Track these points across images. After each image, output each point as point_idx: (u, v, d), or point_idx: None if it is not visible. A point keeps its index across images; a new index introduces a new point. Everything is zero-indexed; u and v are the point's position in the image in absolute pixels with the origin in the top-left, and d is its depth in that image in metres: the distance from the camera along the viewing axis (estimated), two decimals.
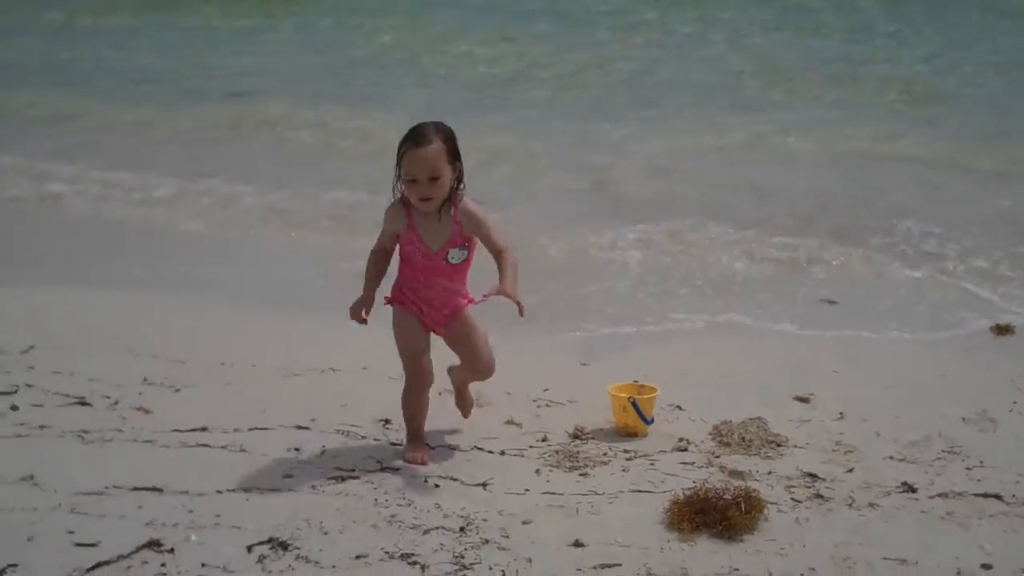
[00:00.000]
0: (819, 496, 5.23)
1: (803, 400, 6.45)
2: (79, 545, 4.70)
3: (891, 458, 5.67)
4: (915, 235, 10.28)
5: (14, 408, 6.19)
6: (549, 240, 10.22)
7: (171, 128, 15.98)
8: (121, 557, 4.60)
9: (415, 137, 5.21)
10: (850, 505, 5.14)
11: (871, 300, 8.67)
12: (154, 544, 4.70)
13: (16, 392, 6.43)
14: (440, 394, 6.18)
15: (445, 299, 5.62)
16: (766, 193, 11.94)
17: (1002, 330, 7.86)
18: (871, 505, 5.15)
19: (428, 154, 5.21)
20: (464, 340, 5.69)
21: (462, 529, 4.88)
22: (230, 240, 10.68)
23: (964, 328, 8.02)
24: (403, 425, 5.78)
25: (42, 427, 5.95)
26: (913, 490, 5.29)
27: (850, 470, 5.52)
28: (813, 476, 5.44)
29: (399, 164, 5.26)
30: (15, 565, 4.52)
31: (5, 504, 5.06)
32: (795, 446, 5.80)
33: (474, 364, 5.75)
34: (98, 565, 4.53)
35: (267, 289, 8.79)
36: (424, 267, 5.53)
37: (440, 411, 6.15)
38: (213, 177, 12.96)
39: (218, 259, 9.83)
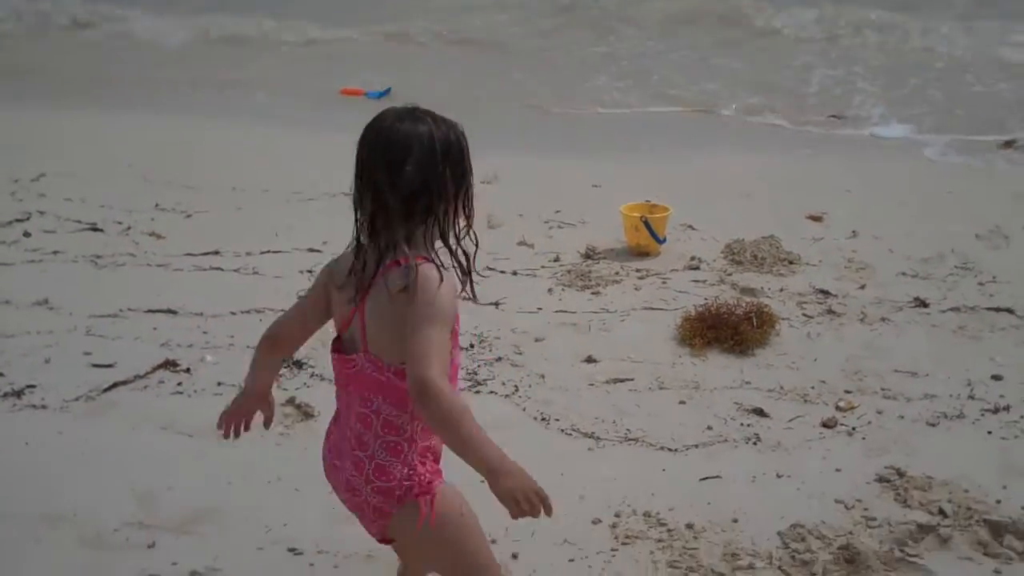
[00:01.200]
0: (831, 312, 5.23)
1: (816, 219, 6.43)
2: (95, 366, 4.74)
3: (903, 274, 5.67)
4: None
5: (27, 235, 6.20)
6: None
7: None
8: (138, 377, 4.64)
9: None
10: (862, 320, 5.15)
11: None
12: (170, 364, 4.73)
13: (28, 219, 6.43)
14: None
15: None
16: None
17: (1007, 144, 7.79)
18: (883, 320, 5.16)
19: None
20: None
21: (475, 346, 4.91)
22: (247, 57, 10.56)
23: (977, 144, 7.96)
24: None
25: (55, 252, 5.96)
26: (925, 305, 5.30)
27: (862, 286, 5.52)
28: (825, 292, 5.44)
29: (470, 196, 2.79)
30: (33, 386, 4.57)
31: (22, 327, 5.09)
32: (808, 264, 5.79)
33: None
34: (115, 385, 4.57)
35: (281, 110, 8.72)
36: None
37: None
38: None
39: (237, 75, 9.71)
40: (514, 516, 2.60)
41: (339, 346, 2.79)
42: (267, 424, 3.08)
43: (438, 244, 2.65)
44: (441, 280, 2.56)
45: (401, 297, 2.56)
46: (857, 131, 8.65)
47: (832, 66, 10.75)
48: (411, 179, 2.62)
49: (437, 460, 2.85)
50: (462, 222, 2.70)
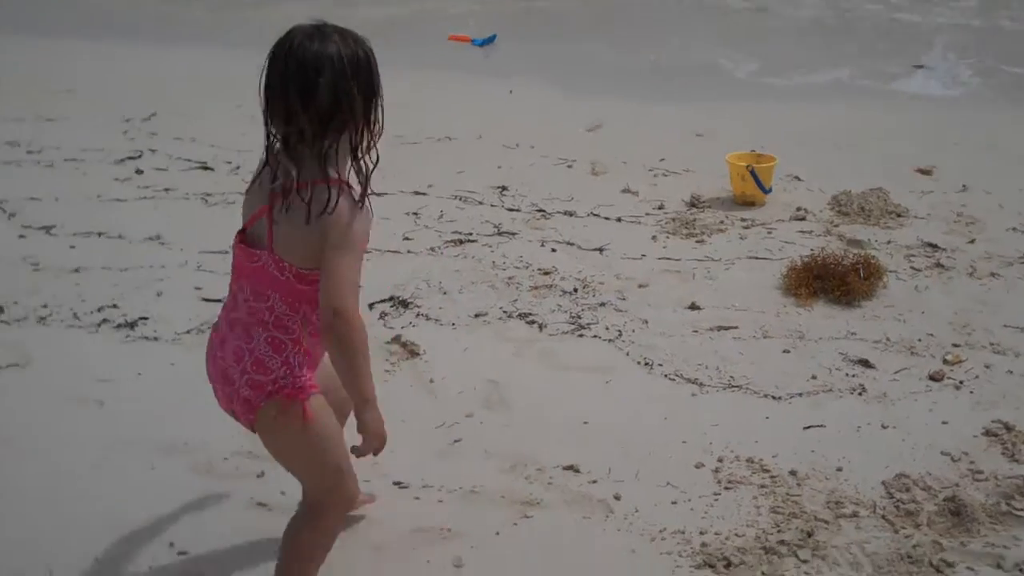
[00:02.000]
0: (939, 265, 5.17)
1: (925, 172, 6.34)
2: (205, 300, 4.83)
3: (1014, 230, 5.58)
4: None
5: (139, 172, 6.31)
6: None
7: None
8: None
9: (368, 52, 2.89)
10: (971, 274, 5.08)
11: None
12: None
13: (140, 157, 6.55)
14: (569, 166, 6.19)
15: None
16: None
17: None
18: (992, 275, 5.08)
19: None
20: None
21: (578, 291, 4.93)
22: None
23: None
24: (520, 192, 5.86)
25: (167, 190, 6.07)
26: None
27: (971, 241, 5.44)
28: (933, 246, 5.37)
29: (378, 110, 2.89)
30: (146, 318, 4.67)
31: (134, 261, 5.21)
32: (916, 217, 5.72)
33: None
34: None
35: (389, 54, 8.74)
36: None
37: (556, 178, 6.17)
38: None
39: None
40: (362, 453, 2.81)
41: (243, 238, 2.87)
42: None
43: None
44: (360, 209, 2.70)
45: (318, 219, 2.66)
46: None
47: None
48: (323, 101, 2.67)
49: (313, 368, 2.91)
50: (367, 137, 2.77)
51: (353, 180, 2.76)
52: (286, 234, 2.73)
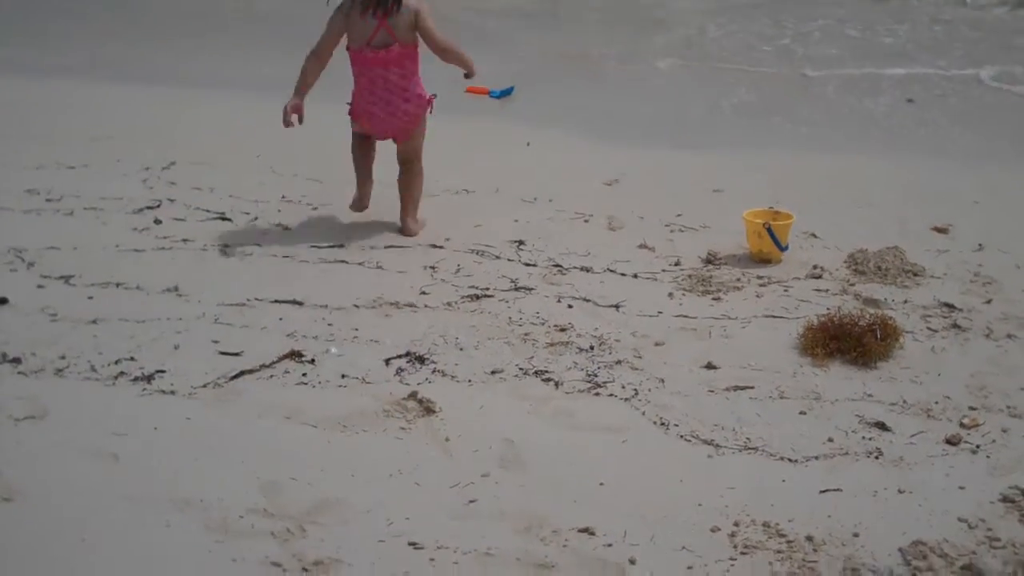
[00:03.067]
0: (956, 326, 5.16)
1: (941, 230, 6.33)
2: (223, 354, 4.84)
3: None
4: None
5: (158, 222, 6.34)
6: None
7: None
8: (264, 366, 4.73)
9: None
10: (988, 336, 5.08)
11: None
12: (295, 355, 4.82)
13: (159, 206, 6.58)
14: (586, 221, 6.23)
15: None
16: None
17: None
18: (1009, 336, 5.07)
19: None
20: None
21: (595, 348, 4.93)
22: None
23: None
24: (537, 246, 5.93)
25: (185, 240, 6.09)
26: None
27: (988, 301, 5.43)
28: (950, 306, 5.36)
29: None
30: (163, 371, 4.68)
31: (152, 313, 5.22)
32: (932, 276, 5.72)
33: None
34: (242, 373, 4.67)
35: None
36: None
37: (573, 233, 6.20)
38: None
39: None
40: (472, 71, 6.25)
41: (364, 47, 6.02)
42: (301, 119, 6.14)
43: None
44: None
45: (412, 17, 5.97)
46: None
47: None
48: None
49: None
50: None
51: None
52: (402, 31, 5.98)
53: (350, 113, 6.26)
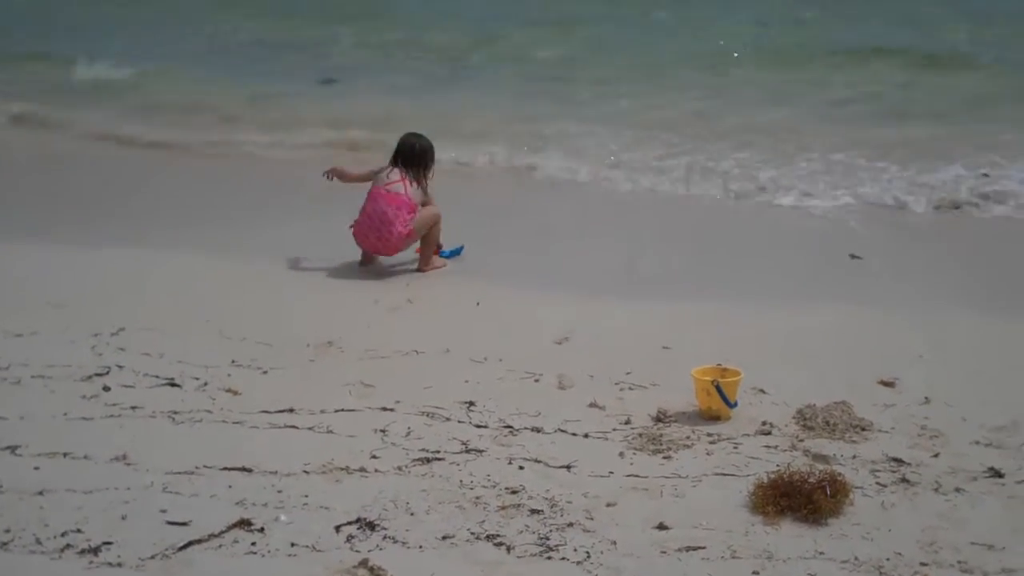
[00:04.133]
0: (905, 481, 5.20)
1: (888, 384, 6.41)
2: (171, 523, 4.79)
3: (977, 443, 5.63)
4: None
5: (106, 389, 6.31)
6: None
7: None
8: (212, 536, 4.68)
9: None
10: (936, 490, 5.12)
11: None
12: (244, 523, 4.78)
13: (108, 373, 6.55)
14: (536, 380, 6.27)
15: None
16: None
17: None
18: (957, 490, 5.12)
19: None
20: None
21: (546, 511, 4.92)
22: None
23: None
24: (487, 407, 5.95)
25: (134, 408, 6.06)
26: (1000, 475, 5.26)
27: (936, 455, 5.49)
28: (899, 461, 5.41)
29: (431, 168, 8.97)
30: (110, 543, 4.62)
31: (99, 483, 5.17)
32: (880, 430, 5.77)
33: None
34: (190, 543, 4.62)
35: (352, 273, 8.86)
36: None
37: (523, 392, 6.22)
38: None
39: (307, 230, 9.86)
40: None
41: (382, 190, 8.72)
42: (332, 177, 9.29)
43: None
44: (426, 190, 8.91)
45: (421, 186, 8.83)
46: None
47: None
48: (420, 156, 8.87)
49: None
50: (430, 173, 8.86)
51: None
52: (411, 190, 8.73)
53: None
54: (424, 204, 8.81)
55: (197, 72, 18.00)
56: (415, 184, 8.75)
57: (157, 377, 6.49)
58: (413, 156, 8.82)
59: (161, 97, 16.30)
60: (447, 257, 9.01)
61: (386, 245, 8.72)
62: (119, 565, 4.46)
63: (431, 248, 8.94)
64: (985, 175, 11.58)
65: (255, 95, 16.42)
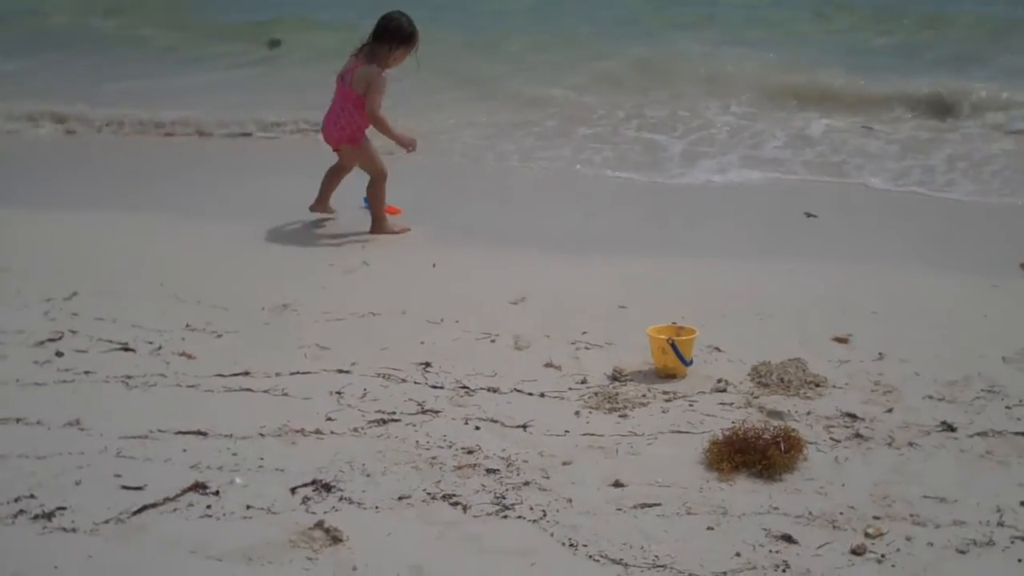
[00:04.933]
0: (858, 436, 5.24)
1: (842, 340, 6.44)
2: (126, 488, 4.77)
3: (930, 398, 5.67)
4: None
5: (59, 354, 6.26)
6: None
7: None
8: (167, 500, 4.66)
9: (414, 26, 8.50)
10: (889, 444, 5.16)
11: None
12: (199, 487, 4.76)
13: (61, 338, 6.49)
14: (493, 341, 6.27)
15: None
16: None
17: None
18: (910, 444, 5.16)
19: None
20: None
21: (503, 470, 4.92)
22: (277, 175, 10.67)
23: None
24: (444, 368, 5.93)
25: (87, 373, 6.01)
26: (952, 429, 5.30)
27: (889, 410, 5.52)
28: (852, 416, 5.45)
29: (407, 47, 8.49)
30: (64, 508, 4.60)
31: (53, 448, 5.13)
32: (834, 386, 5.80)
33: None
34: (144, 508, 4.60)
35: (308, 235, 8.83)
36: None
37: (479, 353, 6.21)
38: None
39: (265, 194, 9.80)
40: (408, 148, 8.88)
41: (342, 81, 8.57)
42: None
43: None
44: (381, 75, 8.41)
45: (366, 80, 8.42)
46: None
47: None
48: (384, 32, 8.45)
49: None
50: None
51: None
52: (358, 79, 8.41)
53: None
54: (370, 94, 8.40)
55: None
56: (366, 63, 8.39)
57: (110, 342, 6.44)
58: (378, 30, 8.42)
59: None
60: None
61: (327, 134, 8.83)
62: (73, 530, 4.44)
63: (379, 207, 8.81)
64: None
65: None
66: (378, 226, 8.81)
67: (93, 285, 7.38)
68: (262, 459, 5.02)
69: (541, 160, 11.50)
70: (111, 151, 12.42)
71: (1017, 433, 5.25)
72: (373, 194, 8.81)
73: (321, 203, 9.09)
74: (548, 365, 6.12)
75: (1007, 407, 5.54)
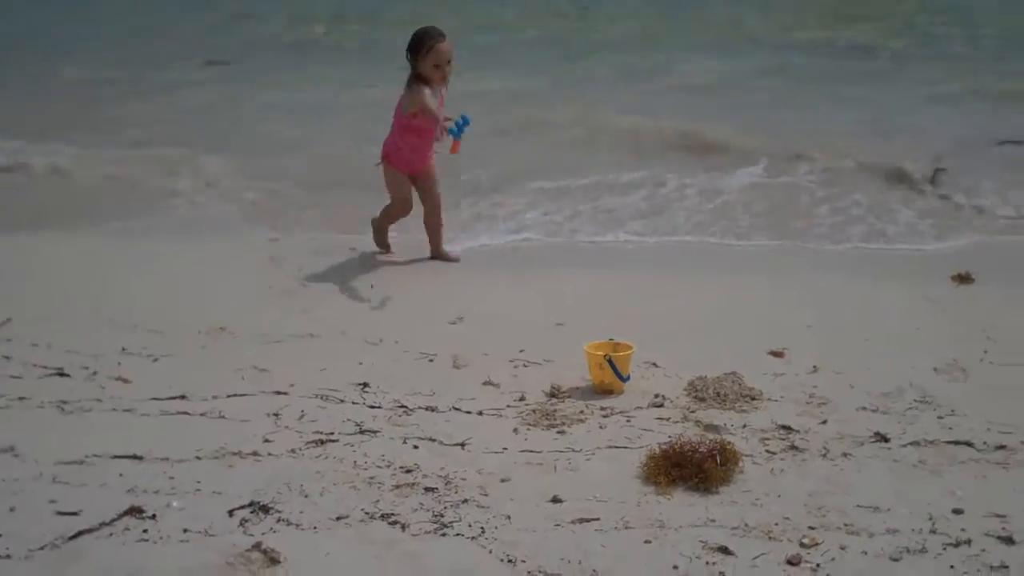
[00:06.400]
0: (793, 447, 5.29)
1: (777, 354, 6.50)
2: (61, 514, 4.72)
3: (864, 409, 5.74)
4: None
5: None
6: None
7: None
8: (103, 524, 4.62)
9: (438, 33, 7.97)
10: (824, 455, 5.21)
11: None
12: (136, 511, 4.73)
13: None
14: (431, 360, 6.28)
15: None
16: None
17: (962, 279, 7.93)
18: (844, 455, 5.22)
19: (451, 44, 7.98)
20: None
21: (441, 488, 4.93)
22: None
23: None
24: (382, 388, 5.95)
25: (21, 399, 5.96)
26: (886, 440, 5.36)
27: (824, 422, 5.59)
28: (787, 428, 5.50)
29: (427, 54, 7.91)
30: None
31: None
32: (769, 399, 5.86)
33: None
34: (80, 533, 4.56)
35: (245, 257, 8.79)
36: (430, 131, 8.08)
37: (418, 373, 6.22)
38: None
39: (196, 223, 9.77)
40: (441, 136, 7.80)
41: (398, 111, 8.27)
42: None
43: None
44: (417, 89, 8.00)
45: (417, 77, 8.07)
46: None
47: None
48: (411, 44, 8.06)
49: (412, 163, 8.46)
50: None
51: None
52: (405, 104, 8.14)
53: None
54: (415, 110, 8.03)
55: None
56: (408, 88, 8.09)
57: (45, 367, 6.38)
58: (409, 47, 8.04)
59: None
60: (456, 135, 7.71)
61: (398, 164, 8.43)
62: (7, 557, 4.39)
63: (435, 235, 8.73)
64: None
65: None
66: (435, 250, 8.79)
67: (28, 311, 7.32)
68: (199, 482, 4.99)
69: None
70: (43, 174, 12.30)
71: (949, 442, 5.32)
72: (386, 214, 8.73)
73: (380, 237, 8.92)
74: (486, 383, 6.14)
75: (939, 417, 5.61)
